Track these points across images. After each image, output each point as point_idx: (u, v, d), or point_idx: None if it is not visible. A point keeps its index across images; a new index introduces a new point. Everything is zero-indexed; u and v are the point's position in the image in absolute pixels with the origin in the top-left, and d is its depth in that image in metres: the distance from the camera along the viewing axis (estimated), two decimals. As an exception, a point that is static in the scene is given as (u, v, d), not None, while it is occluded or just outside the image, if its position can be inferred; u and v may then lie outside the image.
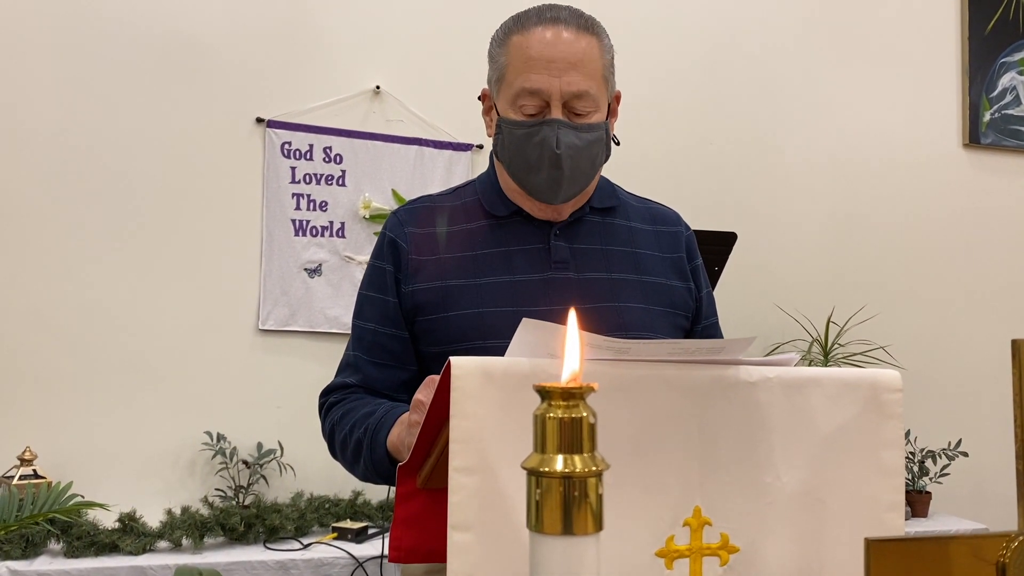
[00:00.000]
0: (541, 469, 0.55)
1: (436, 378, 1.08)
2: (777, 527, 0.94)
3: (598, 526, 0.55)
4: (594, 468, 0.55)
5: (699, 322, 1.45)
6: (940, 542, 0.69)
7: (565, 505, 0.54)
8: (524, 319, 0.91)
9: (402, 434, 1.18)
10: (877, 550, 0.68)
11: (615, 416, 0.86)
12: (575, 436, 0.55)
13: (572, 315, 0.60)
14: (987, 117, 3.81)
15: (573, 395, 0.55)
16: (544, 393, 0.56)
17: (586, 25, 1.34)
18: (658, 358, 0.92)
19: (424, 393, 1.10)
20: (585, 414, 0.55)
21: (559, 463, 0.55)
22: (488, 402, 0.86)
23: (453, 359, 0.86)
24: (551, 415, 0.55)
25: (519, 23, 1.35)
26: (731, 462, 0.93)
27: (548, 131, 1.30)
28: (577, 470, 0.54)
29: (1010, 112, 3.85)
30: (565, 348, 0.58)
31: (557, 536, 0.54)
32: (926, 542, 0.68)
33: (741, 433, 0.93)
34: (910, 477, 3.27)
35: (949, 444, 3.38)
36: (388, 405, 1.30)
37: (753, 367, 0.95)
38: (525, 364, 0.88)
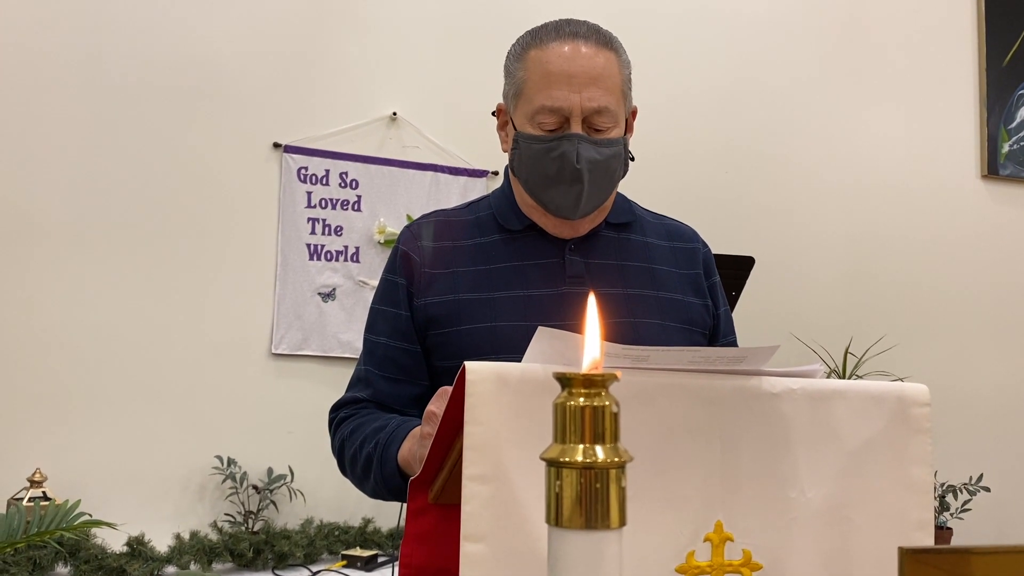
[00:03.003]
0: (561, 460, 0.52)
1: (449, 389, 1.06)
2: (802, 544, 0.90)
3: (621, 520, 0.52)
4: (617, 459, 0.52)
5: (717, 340, 1.43)
6: (982, 554, 0.65)
7: (586, 497, 0.51)
8: (540, 327, 0.89)
9: (414, 447, 1.15)
10: (912, 561, 0.64)
11: (634, 426, 0.84)
12: (597, 425, 0.52)
13: (591, 299, 0.58)
14: (1005, 148, 3.78)
15: (595, 383, 0.53)
16: (565, 381, 0.53)
17: (605, 40, 1.33)
18: (678, 367, 0.89)
19: (437, 404, 1.07)
20: (608, 403, 0.53)
21: (580, 453, 0.52)
22: (503, 408, 0.83)
23: (468, 364, 0.84)
24: (572, 403, 0.53)
25: (536, 38, 1.34)
26: (754, 475, 0.90)
27: (568, 146, 1.28)
28: (599, 460, 0.52)
29: (1029, 144, 3.82)
30: (585, 338, 0.56)
31: (577, 530, 0.51)
32: (966, 554, 0.65)
33: (764, 445, 0.90)
34: (931, 512, 3.20)
35: (970, 479, 3.31)
36: (399, 419, 1.27)
37: (776, 378, 0.93)
38: (542, 370, 0.85)
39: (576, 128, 1.29)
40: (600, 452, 0.52)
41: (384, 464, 1.22)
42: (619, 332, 1.28)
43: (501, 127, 1.42)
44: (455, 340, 1.31)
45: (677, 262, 1.41)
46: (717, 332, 1.43)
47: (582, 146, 1.28)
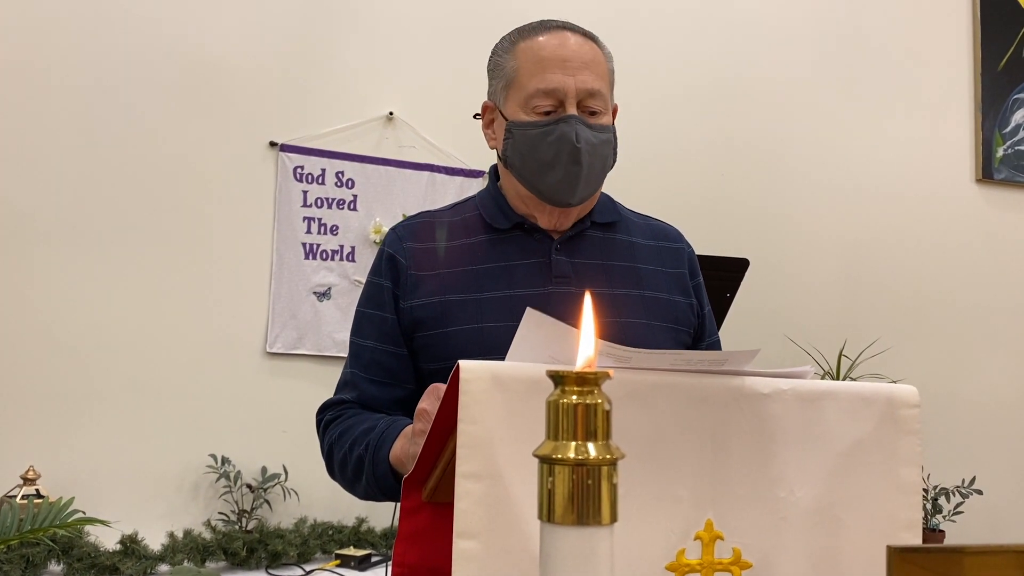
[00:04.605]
0: (553, 456, 0.53)
1: (439, 386, 1.07)
2: (791, 543, 0.91)
3: (612, 517, 0.53)
4: (608, 456, 0.53)
5: (702, 339, 1.43)
6: (969, 554, 0.66)
7: (578, 494, 0.52)
8: (528, 309, 0.89)
9: (406, 446, 1.16)
10: (901, 561, 0.65)
11: (625, 425, 0.84)
12: (589, 423, 0.53)
13: (587, 299, 0.59)
14: (1000, 153, 3.80)
15: (588, 380, 0.53)
16: (558, 379, 0.54)
17: (589, 34, 1.38)
18: (660, 367, 0.90)
19: (428, 402, 1.08)
20: (600, 400, 0.53)
21: (572, 450, 0.53)
22: (497, 407, 0.84)
23: (462, 362, 0.85)
24: (564, 401, 0.53)
25: (522, 33, 1.37)
26: (744, 475, 0.90)
27: (566, 127, 1.30)
28: (591, 457, 0.52)
29: (1023, 148, 3.84)
30: (580, 334, 0.56)
31: (569, 527, 0.52)
32: (953, 553, 0.66)
33: (754, 445, 0.91)
34: (923, 515, 3.22)
35: (963, 482, 3.32)
36: (388, 420, 1.27)
37: (767, 378, 0.93)
38: (536, 369, 0.86)
39: (572, 110, 1.31)
40: (592, 449, 0.53)
41: (376, 465, 1.22)
42: (605, 332, 1.28)
43: (487, 125, 1.42)
44: (442, 341, 1.31)
45: (663, 261, 1.42)
46: (702, 332, 1.44)
47: (580, 127, 1.30)
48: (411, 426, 1.14)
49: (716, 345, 1.47)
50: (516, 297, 1.31)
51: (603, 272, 1.36)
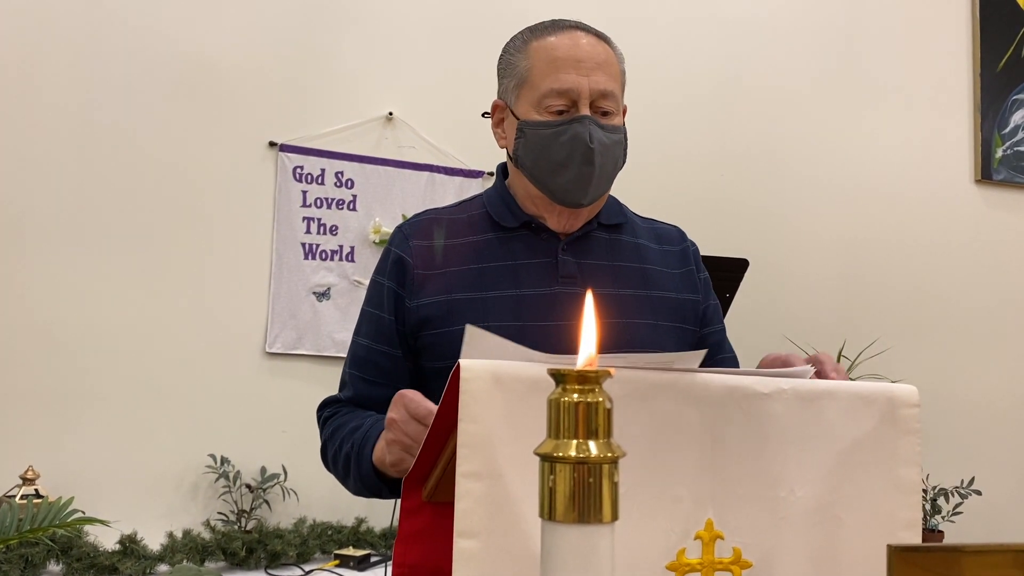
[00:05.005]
0: (554, 454, 0.53)
1: (405, 393, 1.09)
2: (791, 542, 0.91)
3: (613, 515, 0.53)
4: (610, 454, 0.53)
5: (706, 327, 1.44)
6: (969, 553, 0.66)
7: (579, 492, 0.52)
8: (468, 326, 0.89)
9: (383, 449, 1.17)
10: (901, 560, 0.65)
11: (625, 424, 0.84)
12: (590, 421, 0.53)
13: (589, 297, 0.59)
14: (999, 153, 3.80)
15: (589, 379, 0.53)
16: (559, 377, 0.54)
17: (602, 35, 1.37)
18: (616, 365, 0.89)
19: (396, 412, 1.09)
20: (601, 399, 0.53)
21: (573, 448, 0.53)
22: (497, 406, 0.84)
23: (462, 361, 0.85)
24: (566, 399, 0.53)
25: (535, 32, 1.37)
26: (744, 474, 0.91)
27: (579, 128, 1.30)
28: (592, 456, 0.52)
29: (1022, 149, 3.84)
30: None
31: (570, 525, 0.52)
32: (953, 552, 0.66)
33: (754, 445, 0.91)
34: (922, 515, 3.22)
35: (962, 482, 3.32)
36: (374, 419, 1.28)
37: (767, 378, 0.93)
38: (536, 368, 0.86)
39: (585, 111, 1.31)
40: (593, 447, 0.53)
41: (360, 465, 1.24)
42: (610, 333, 1.29)
43: (497, 124, 1.42)
44: (447, 340, 1.30)
45: (668, 263, 1.43)
46: (705, 321, 1.44)
47: (593, 128, 1.30)
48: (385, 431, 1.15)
49: (721, 334, 1.47)
50: (522, 297, 1.32)
51: (609, 273, 1.37)
